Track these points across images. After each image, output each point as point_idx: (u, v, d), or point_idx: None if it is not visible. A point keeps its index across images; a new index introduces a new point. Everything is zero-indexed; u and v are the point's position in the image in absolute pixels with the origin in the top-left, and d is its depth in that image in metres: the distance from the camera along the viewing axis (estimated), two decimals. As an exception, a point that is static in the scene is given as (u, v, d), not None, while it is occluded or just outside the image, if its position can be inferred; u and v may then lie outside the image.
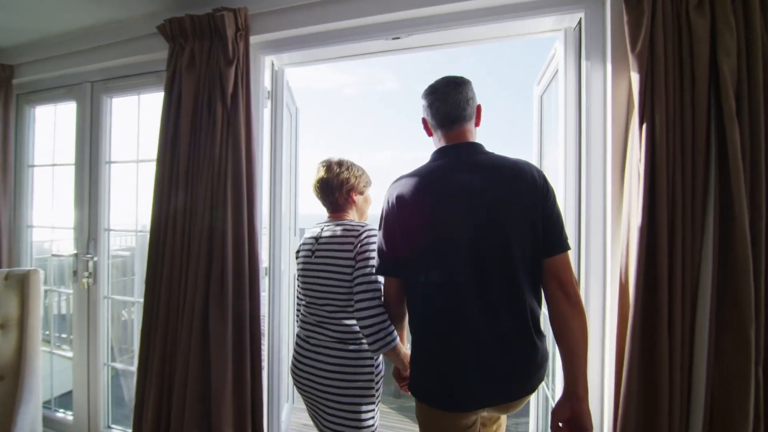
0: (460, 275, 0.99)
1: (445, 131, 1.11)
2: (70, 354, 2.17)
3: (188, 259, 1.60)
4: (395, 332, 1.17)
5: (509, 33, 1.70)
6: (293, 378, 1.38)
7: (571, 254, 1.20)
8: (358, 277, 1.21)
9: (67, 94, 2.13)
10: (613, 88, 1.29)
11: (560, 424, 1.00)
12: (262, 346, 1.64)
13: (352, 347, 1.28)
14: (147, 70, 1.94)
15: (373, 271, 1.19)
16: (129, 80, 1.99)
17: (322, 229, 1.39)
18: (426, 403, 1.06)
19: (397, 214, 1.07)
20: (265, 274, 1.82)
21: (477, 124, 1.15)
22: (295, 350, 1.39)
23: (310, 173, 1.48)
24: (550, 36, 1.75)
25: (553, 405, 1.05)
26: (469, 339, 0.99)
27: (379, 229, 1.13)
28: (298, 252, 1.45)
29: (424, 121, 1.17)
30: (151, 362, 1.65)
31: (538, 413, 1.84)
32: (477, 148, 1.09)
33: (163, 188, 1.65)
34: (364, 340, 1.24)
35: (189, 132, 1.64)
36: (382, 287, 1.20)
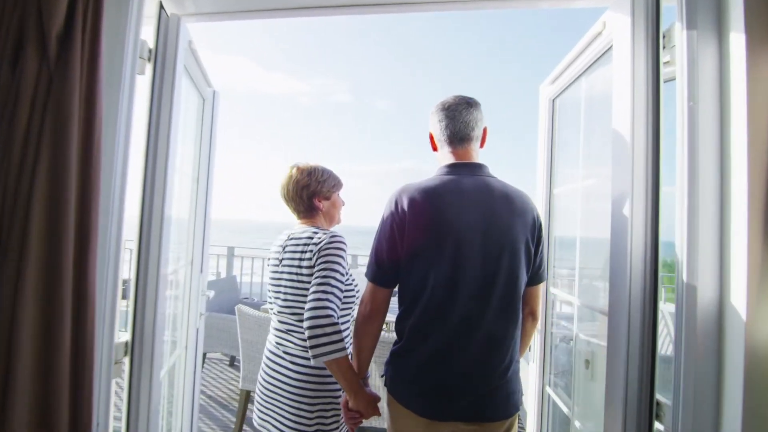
0: (467, 285, 1.01)
1: (453, 148, 1.13)
2: None
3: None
4: (341, 345, 1.09)
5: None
6: (259, 384, 1.32)
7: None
8: (313, 281, 1.18)
9: None
10: (748, 74, 0.73)
11: None
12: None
13: None
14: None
15: (331, 280, 1.16)
16: None
17: (288, 237, 1.33)
18: (408, 405, 1.03)
19: (409, 219, 1.04)
20: (125, 353, 1.07)
21: (482, 145, 1.17)
22: (264, 356, 1.34)
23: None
24: (593, 6, 1.22)
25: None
26: (465, 348, 1.01)
27: (378, 234, 1.10)
28: (269, 259, 1.40)
29: (430, 135, 1.19)
30: None
31: None
32: (486, 170, 1.12)
33: None
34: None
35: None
36: (334, 297, 1.14)
